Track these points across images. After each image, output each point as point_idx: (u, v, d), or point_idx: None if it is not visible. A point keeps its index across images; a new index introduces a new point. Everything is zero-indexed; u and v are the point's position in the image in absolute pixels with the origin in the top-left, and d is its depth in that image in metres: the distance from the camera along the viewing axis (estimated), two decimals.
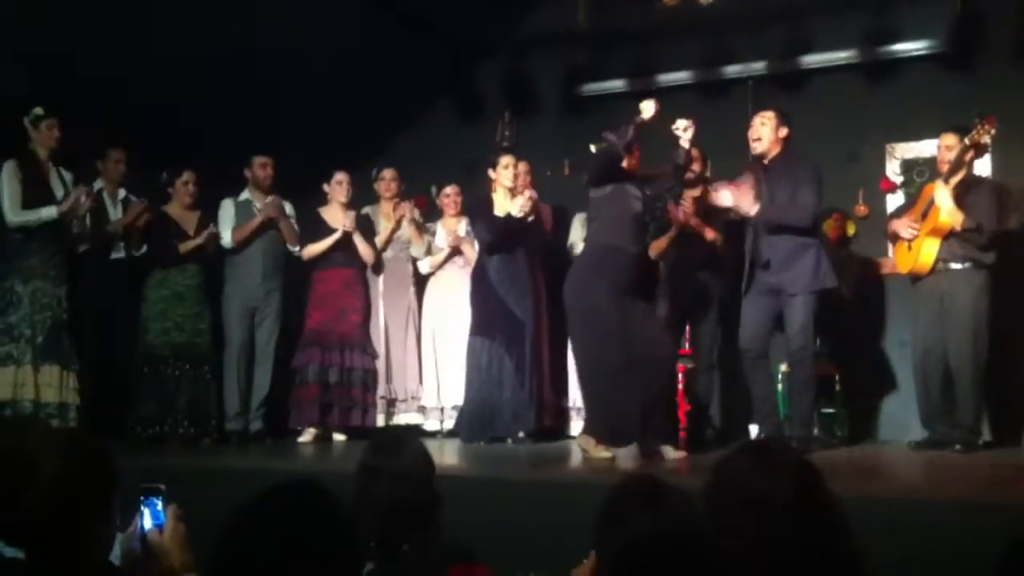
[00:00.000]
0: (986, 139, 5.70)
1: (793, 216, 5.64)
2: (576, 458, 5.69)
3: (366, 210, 7.30)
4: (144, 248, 6.80)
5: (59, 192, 6.29)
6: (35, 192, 6.17)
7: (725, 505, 1.96)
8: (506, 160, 6.74)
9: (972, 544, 3.18)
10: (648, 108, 5.41)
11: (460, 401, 6.88)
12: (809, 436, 5.75)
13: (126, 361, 6.63)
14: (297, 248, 7.09)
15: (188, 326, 6.68)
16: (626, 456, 5.30)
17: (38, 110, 6.22)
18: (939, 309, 5.89)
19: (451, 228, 7.26)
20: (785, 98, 6.85)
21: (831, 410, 6.66)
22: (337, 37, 7.06)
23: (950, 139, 5.94)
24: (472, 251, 7.05)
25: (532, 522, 4.12)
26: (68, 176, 6.42)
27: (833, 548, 1.93)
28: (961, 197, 5.80)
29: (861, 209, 7.16)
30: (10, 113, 6.15)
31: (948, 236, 5.82)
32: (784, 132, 5.78)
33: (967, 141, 5.72)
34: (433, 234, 7.33)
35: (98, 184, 6.78)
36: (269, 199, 7.03)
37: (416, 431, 6.91)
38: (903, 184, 7.08)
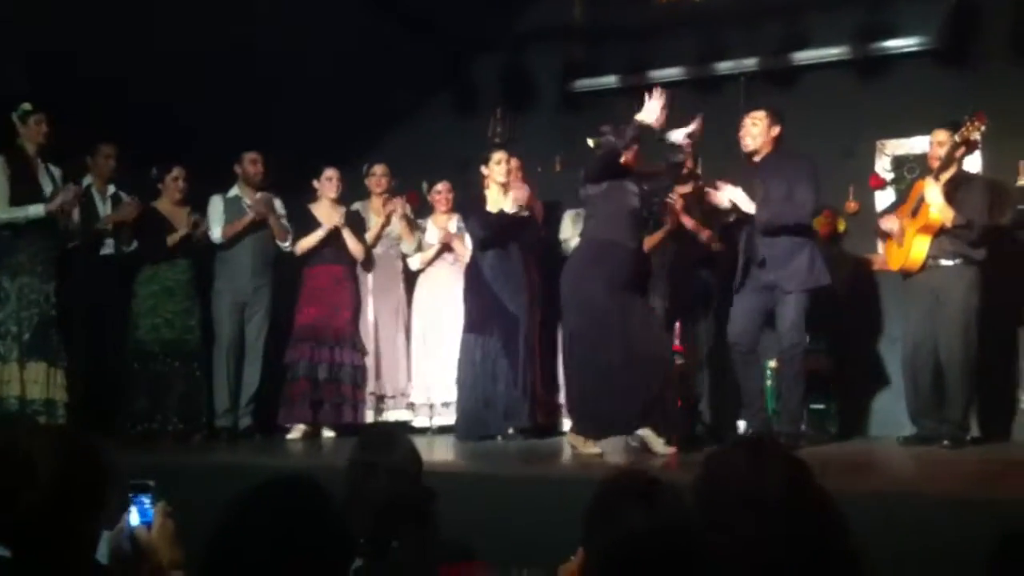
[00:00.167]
0: (976, 135, 5.70)
1: (792, 214, 5.64)
2: (568, 454, 5.69)
3: (356, 206, 7.28)
4: (134, 244, 6.79)
5: (47, 188, 6.27)
6: (23, 188, 6.15)
7: (716, 501, 1.96)
8: (498, 156, 6.72)
9: (960, 540, 3.19)
10: (651, 112, 5.39)
11: (449, 398, 6.87)
12: (798, 432, 5.76)
13: (116, 357, 6.61)
14: (287, 244, 7.07)
15: (178, 322, 6.67)
16: (615, 451, 5.29)
17: (26, 105, 6.20)
18: (930, 305, 5.90)
19: (442, 224, 7.24)
20: (777, 94, 6.86)
21: (821, 406, 6.66)
22: (330, 34, 7.04)
23: (941, 135, 5.94)
24: (463, 247, 7.03)
25: (524, 518, 4.12)
26: (57, 172, 6.39)
27: (828, 545, 1.93)
28: (952, 194, 5.81)
29: (851, 206, 7.17)
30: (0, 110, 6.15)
31: (939, 233, 5.82)
32: (776, 131, 5.77)
33: (957, 138, 5.73)
34: (424, 230, 7.31)
35: (87, 180, 6.76)
36: (259, 195, 7.01)
37: (405, 428, 6.89)
38: (893, 181, 7.10)
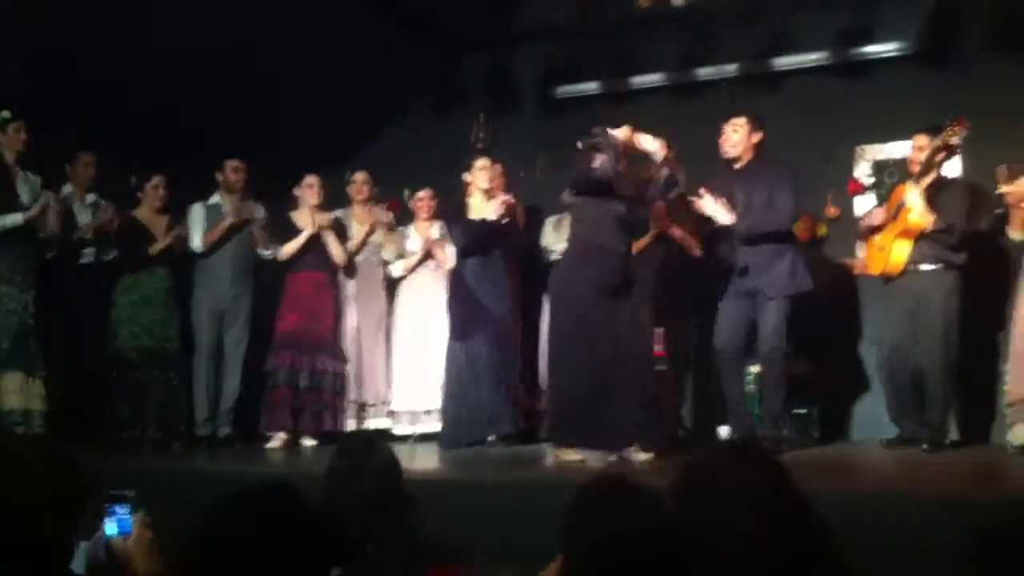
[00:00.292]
0: (956, 140, 5.72)
1: (772, 222, 5.65)
2: (550, 460, 5.67)
3: (338, 213, 7.24)
4: (114, 253, 6.75)
5: (26, 197, 6.23)
6: (1, 197, 6.11)
7: (696, 503, 1.96)
8: (481, 162, 6.70)
9: (940, 541, 3.19)
10: (621, 133, 5.40)
11: (431, 405, 6.85)
12: (780, 436, 5.76)
13: (95, 366, 6.57)
14: (268, 252, 7.04)
15: (157, 331, 6.63)
16: (594, 457, 5.29)
17: (5, 113, 6.17)
18: (910, 309, 5.91)
19: (424, 231, 7.23)
20: (758, 99, 6.87)
21: (803, 410, 6.67)
22: (313, 37, 7.02)
23: (922, 140, 5.96)
24: (444, 255, 7.02)
25: (504, 524, 4.10)
26: (36, 180, 6.35)
27: (810, 547, 1.93)
28: (932, 198, 5.82)
29: (832, 211, 7.19)
30: None
31: (919, 237, 5.84)
32: (757, 137, 5.79)
33: (938, 142, 5.74)
34: (405, 237, 7.29)
35: (67, 189, 6.72)
36: (240, 203, 6.98)
37: (386, 436, 6.86)
38: (873, 185, 7.12)
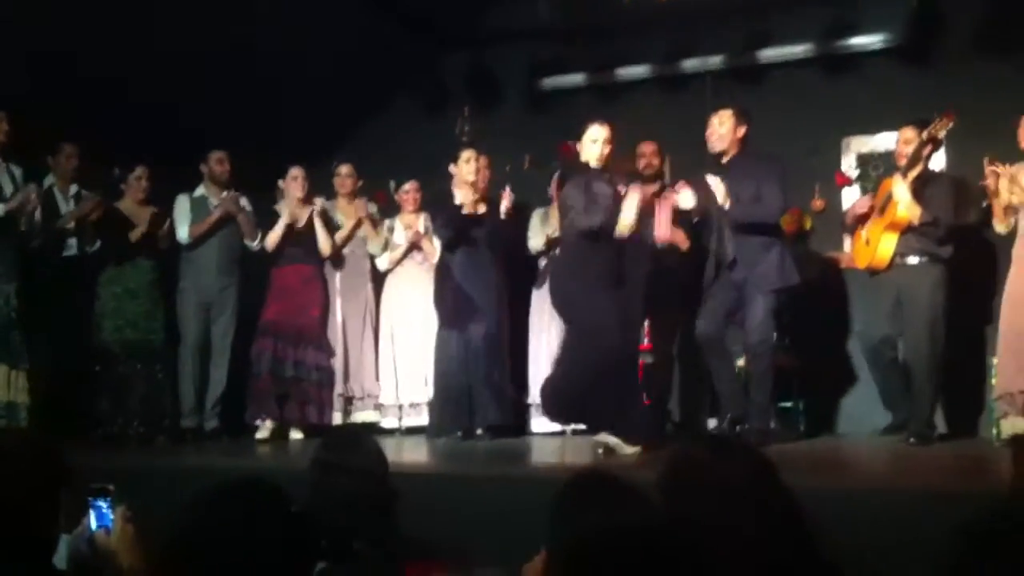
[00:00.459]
0: (943, 133, 5.73)
1: (760, 214, 5.65)
2: (540, 453, 5.68)
3: (325, 205, 7.21)
4: (97, 244, 6.71)
5: (8, 188, 6.20)
6: None
7: (680, 496, 1.96)
8: (467, 154, 6.68)
9: (927, 534, 3.19)
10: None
11: (418, 398, 6.84)
12: (767, 429, 5.76)
13: (78, 359, 6.53)
14: (255, 243, 7.01)
15: (141, 323, 6.59)
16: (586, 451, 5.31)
17: None
18: (895, 302, 5.92)
19: (410, 224, 7.21)
20: (743, 92, 6.86)
21: (789, 404, 6.68)
22: (302, 31, 6.98)
23: (909, 133, 5.96)
24: (431, 247, 7.00)
25: (490, 518, 4.09)
26: (18, 171, 6.31)
27: (794, 541, 1.92)
28: (919, 191, 5.82)
29: (817, 203, 7.20)
30: None
31: (906, 230, 5.85)
32: (743, 131, 5.77)
33: (925, 135, 5.75)
34: (391, 230, 7.27)
35: (50, 180, 6.68)
36: (226, 194, 6.95)
37: (373, 429, 6.85)
38: (859, 178, 7.13)
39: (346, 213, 7.23)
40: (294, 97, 7.23)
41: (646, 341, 6.54)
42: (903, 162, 5.93)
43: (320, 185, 7.21)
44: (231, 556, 1.76)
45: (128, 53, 6.25)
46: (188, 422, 6.84)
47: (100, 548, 2.52)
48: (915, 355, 5.84)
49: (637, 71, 7.63)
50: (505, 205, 6.55)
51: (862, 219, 6.12)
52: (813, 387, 6.83)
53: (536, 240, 6.92)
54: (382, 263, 7.25)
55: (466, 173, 6.62)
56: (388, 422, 7.10)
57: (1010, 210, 5.76)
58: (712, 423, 6.28)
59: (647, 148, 6.71)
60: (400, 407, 7.08)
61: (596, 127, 5.51)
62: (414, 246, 7.15)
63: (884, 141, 6.81)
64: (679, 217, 6.05)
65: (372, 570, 2.68)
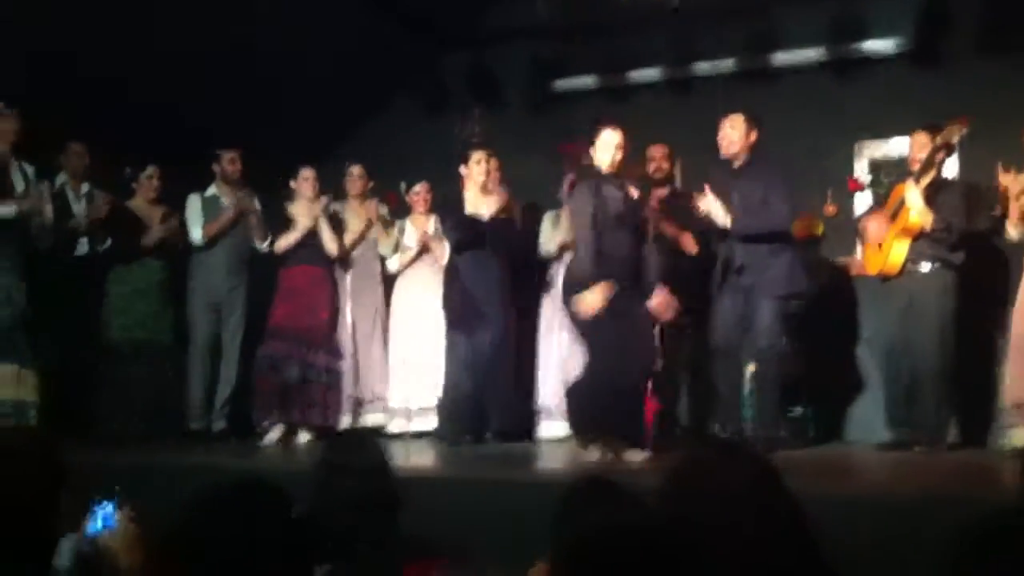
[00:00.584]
0: (956, 139, 5.69)
1: (770, 222, 5.63)
2: (545, 458, 5.65)
3: (334, 207, 7.21)
4: (108, 243, 6.72)
5: (20, 186, 6.20)
6: None
7: (684, 501, 1.95)
8: (478, 155, 6.62)
9: (933, 540, 3.17)
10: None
11: (426, 403, 6.81)
12: (775, 436, 5.73)
13: (87, 358, 6.54)
14: (265, 244, 7.01)
15: (150, 323, 6.61)
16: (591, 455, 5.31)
17: None
18: (907, 309, 5.89)
19: (420, 226, 7.20)
20: (754, 96, 6.83)
21: (798, 410, 6.65)
22: (309, 32, 6.99)
23: (922, 138, 5.93)
24: (441, 249, 6.98)
25: (498, 522, 4.08)
26: (30, 170, 6.32)
27: (798, 548, 1.92)
28: (931, 197, 5.80)
29: (830, 208, 7.15)
30: None
31: (917, 237, 5.82)
32: (754, 136, 5.75)
33: (939, 140, 5.72)
34: (401, 231, 7.26)
35: (61, 179, 6.69)
36: (240, 194, 6.96)
37: (381, 432, 6.83)
38: (871, 184, 7.09)
39: (357, 214, 7.22)
40: (294, 97, 7.23)
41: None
42: (916, 167, 5.91)
43: (326, 185, 7.19)
44: (229, 557, 1.76)
45: (128, 53, 6.27)
46: (196, 423, 6.84)
47: (104, 549, 2.52)
48: (925, 362, 5.81)
49: (647, 73, 7.61)
50: (493, 203, 6.53)
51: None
52: (822, 394, 6.80)
53: (548, 244, 6.89)
54: (392, 265, 7.24)
55: (476, 174, 6.58)
56: (396, 425, 7.07)
57: None
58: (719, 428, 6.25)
59: (657, 152, 6.69)
60: (408, 411, 7.06)
61: (609, 132, 5.49)
62: (424, 248, 7.13)
63: (897, 146, 6.77)
64: (689, 222, 6.05)
65: (375, 571, 2.67)
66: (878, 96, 6.93)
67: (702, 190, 5.74)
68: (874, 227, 6.12)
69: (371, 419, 7.12)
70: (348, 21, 7.20)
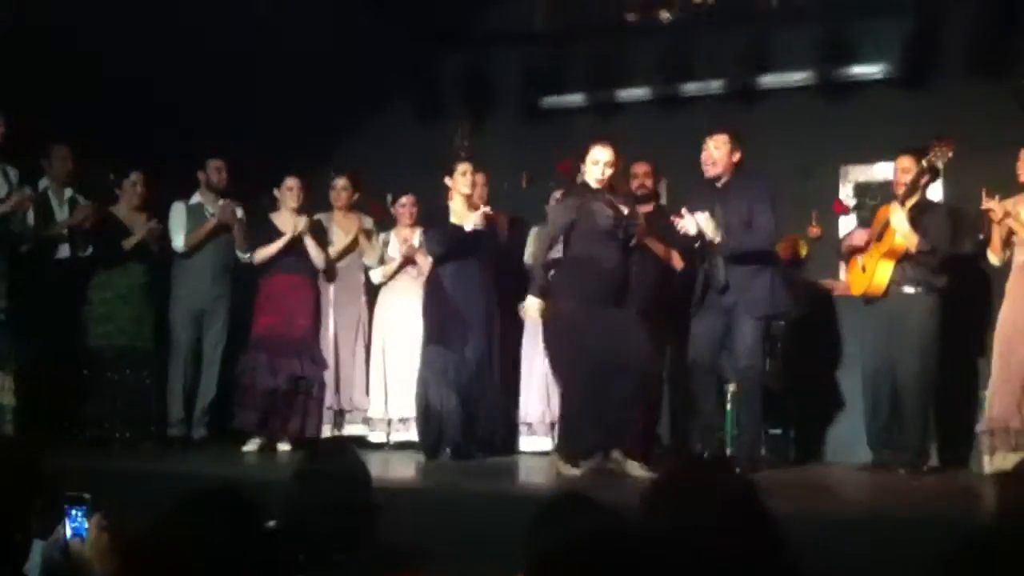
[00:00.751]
0: (941, 162, 5.71)
1: (755, 242, 5.63)
2: (527, 471, 5.63)
3: (319, 217, 7.18)
4: (89, 249, 6.68)
5: (2, 190, 6.17)
6: None
7: (663, 516, 1.94)
8: (463, 167, 6.58)
9: (914, 560, 3.17)
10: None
11: (407, 413, 6.78)
12: (756, 455, 5.73)
13: (67, 362, 6.49)
14: (248, 253, 6.98)
15: (131, 329, 6.57)
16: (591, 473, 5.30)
17: None
18: (890, 331, 5.90)
19: (405, 237, 7.17)
20: (741, 117, 6.85)
21: (779, 431, 6.64)
22: (298, 38, 6.98)
23: (906, 161, 5.96)
24: (425, 261, 6.95)
25: (475, 535, 4.07)
26: (13, 173, 6.29)
27: (773, 565, 1.91)
28: (916, 220, 5.82)
29: (814, 230, 7.17)
30: None
31: (902, 259, 5.83)
32: (737, 156, 5.75)
33: (924, 163, 5.74)
34: (386, 243, 7.24)
35: (44, 183, 6.65)
36: (223, 203, 6.93)
37: (361, 443, 6.80)
38: (856, 207, 7.11)
39: (341, 226, 7.20)
40: (281, 106, 7.20)
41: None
42: (901, 190, 5.92)
43: (314, 192, 7.16)
44: (201, 565, 1.73)
45: (115, 57, 6.24)
46: (176, 430, 6.80)
47: (74, 556, 2.49)
48: (907, 384, 5.82)
49: (636, 92, 7.63)
50: (482, 217, 6.51)
51: (858, 251, 6.11)
52: (803, 415, 6.80)
53: (532, 259, 6.88)
54: (376, 276, 7.22)
55: (461, 186, 6.54)
56: (377, 436, 7.04)
57: (1008, 243, 5.75)
58: (700, 446, 6.24)
59: (640, 169, 6.68)
60: (389, 421, 7.03)
61: (599, 148, 5.52)
62: (408, 260, 7.11)
63: (882, 171, 6.80)
64: (675, 238, 6.05)
65: None
66: (865, 119, 6.96)
67: (689, 209, 5.73)
68: (859, 234, 6.15)
69: (352, 429, 7.09)
70: (342, 32, 7.19)
